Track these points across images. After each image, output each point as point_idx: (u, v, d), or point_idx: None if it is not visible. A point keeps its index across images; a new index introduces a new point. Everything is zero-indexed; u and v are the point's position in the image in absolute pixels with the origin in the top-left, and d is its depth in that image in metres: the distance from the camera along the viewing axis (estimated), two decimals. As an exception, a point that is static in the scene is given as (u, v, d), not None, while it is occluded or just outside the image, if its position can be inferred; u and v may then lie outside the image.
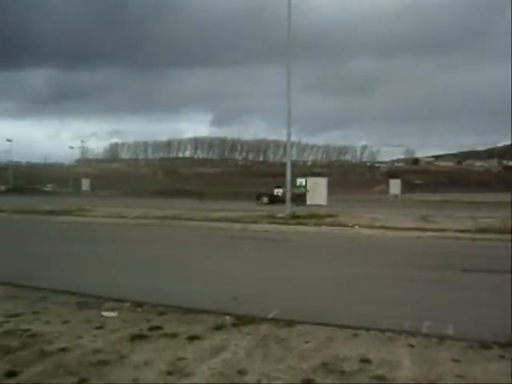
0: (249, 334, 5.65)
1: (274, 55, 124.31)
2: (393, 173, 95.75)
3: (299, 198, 36.07)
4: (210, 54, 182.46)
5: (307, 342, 5.39)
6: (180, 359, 4.82)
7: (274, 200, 39.51)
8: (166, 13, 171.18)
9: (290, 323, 6.07)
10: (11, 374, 4.46)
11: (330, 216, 23.06)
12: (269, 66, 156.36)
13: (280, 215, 23.20)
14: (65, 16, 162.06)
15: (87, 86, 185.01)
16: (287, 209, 23.74)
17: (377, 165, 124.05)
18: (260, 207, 29.35)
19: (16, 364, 4.70)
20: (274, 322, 6.14)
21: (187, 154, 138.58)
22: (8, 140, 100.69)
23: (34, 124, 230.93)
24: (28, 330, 5.77)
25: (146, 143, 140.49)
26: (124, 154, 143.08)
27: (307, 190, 39.62)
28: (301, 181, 41.85)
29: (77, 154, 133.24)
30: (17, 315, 6.39)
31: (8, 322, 6.11)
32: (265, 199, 41.25)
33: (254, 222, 20.53)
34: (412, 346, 5.32)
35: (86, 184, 77.77)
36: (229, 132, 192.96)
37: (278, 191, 40.82)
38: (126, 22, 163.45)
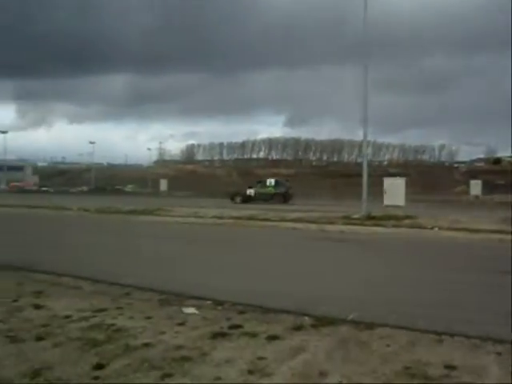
0: (328, 336, 5.58)
1: (348, 54, 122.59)
2: (473, 173, 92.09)
3: (275, 196, 41.76)
4: (283, 55, 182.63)
5: (388, 346, 5.26)
6: (260, 358, 4.83)
7: (247, 199, 42.81)
8: (239, 16, 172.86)
9: (370, 326, 5.95)
10: (99, 367, 4.63)
11: (408, 217, 22.46)
12: (343, 65, 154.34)
13: (356, 216, 22.85)
14: (142, 22, 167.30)
15: (164, 90, 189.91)
16: (363, 210, 23.35)
17: (456, 165, 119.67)
18: (324, 208, 29.03)
19: (103, 357, 4.87)
20: (354, 324, 6.03)
21: (261, 154, 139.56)
22: (91, 142, 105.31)
23: (115, 127, 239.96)
24: (113, 324, 5.97)
25: (221, 144, 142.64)
26: (200, 155, 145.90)
27: (286, 190, 43.71)
28: (270, 181, 45.01)
29: (155, 156, 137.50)
30: (102, 310, 6.64)
31: (94, 316, 6.35)
32: (238, 199, 43.56)
33: (330, 223, 20.34)
34: (499, 353, 5.07)
35: (164, 184, 79.82)
36: (302, 132, 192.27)
37: (250, 191, 44.18)
38: (201, 25, 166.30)
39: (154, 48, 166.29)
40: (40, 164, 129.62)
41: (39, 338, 5.43)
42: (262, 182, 45.31)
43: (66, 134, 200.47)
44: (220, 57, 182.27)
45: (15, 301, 7.19)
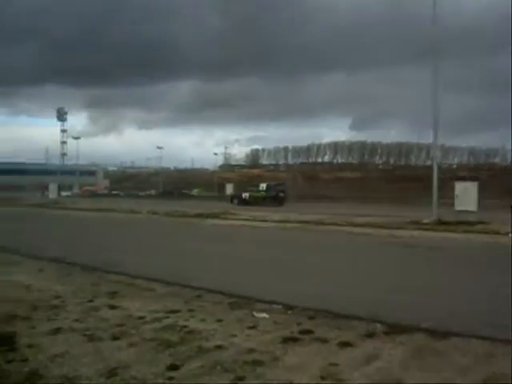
0: (402, 344, 5.43)
1: (416, 55, 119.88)
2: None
3: (266, 199, 44.23)
4: (349, 57, 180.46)
5: (464, 356, 5.06)
6: (332, 365, 4.76)
7: (242, 202, 45.64)
8: (304, 19, 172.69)
9: (445, 335, 5.74)
10: (173, 367, 4.70)
11: (481, 223, 21.62)
12: (411, 66, 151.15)
13: (425, 221, 22.23)
14: (208, 29, 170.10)
15: (229, 95, 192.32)
16: (433, 214, 22.70)
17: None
18: (392, 212, 28.36)
19: (177, 358, 4.94)
20: (429, 333, 5.84)
21: (326, 158, 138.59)
22: (158, 147, 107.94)
23: (182, 132, 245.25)
24: (185, 326, 6.06)
25: (285, 148, 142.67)
26: (264, 160, 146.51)
27: (281, 193, 46.96)
28: (262, 185, 48.21)
29: (220, 160, 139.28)
30: (175, 312, 6.76)
31: (167, 317, 6.47)
32: (236, 201, 46.94)
33: (400, 228, 19.87)
34: None
35: (229, 188, 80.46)
36: (368, 136, 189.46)
37: (245, 195, 47.57)
38: (266, 29, 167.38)
39: (219, 54, 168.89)
40: (110, 168, 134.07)
41: (115, 338, 5.59)
42: (256, 187, 48.69)
43: (135, 140, 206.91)
44: (285, 60, 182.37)
45: (91, 301, 7.45)
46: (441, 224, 21.19)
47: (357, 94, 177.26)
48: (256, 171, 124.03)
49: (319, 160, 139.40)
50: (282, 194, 47.81)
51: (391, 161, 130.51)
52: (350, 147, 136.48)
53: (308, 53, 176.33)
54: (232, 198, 49.13)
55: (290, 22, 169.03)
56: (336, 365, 4.76)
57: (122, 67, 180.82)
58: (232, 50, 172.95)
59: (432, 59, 23.79)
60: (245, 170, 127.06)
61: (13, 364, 4.80)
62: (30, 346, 5.30)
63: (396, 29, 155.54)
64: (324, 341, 5.49)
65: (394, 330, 5.90)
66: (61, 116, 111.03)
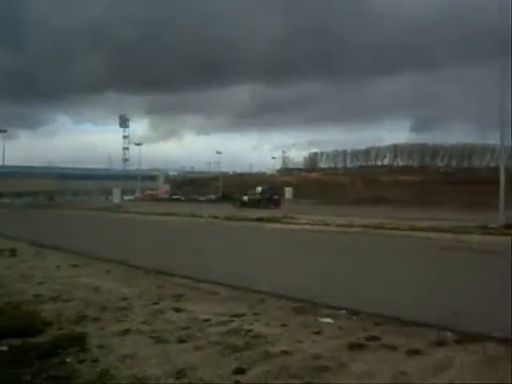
0: (474, 353, 5.22)
1: (481, 55, 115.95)
2: None
3: (261, 202, 48.23)
4: (411, 59, 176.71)
5: (542, 367, 4.81)
6: (402, 373, 4.63)
7: (243, 204, 49.30)
8: (367, 20, 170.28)
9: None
10: (239, 371, 4.70)
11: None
12: (476, 66, 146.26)
13: (492, 225, 21.42)
14: (269, 32, 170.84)
15: (288, 99, 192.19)
16: (500, 218, 21.86)
17: None
18: (456, 216, 27.44)
19: (243, 362, 4.94)
20: (501, 342, 5.59)
21: (386, 161, 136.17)
22: (218, 152, 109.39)
23: (240, 136, 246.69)
24: (250, 330, 6.06)
25: (344, 152, 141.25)
26: (323, 163, 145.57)
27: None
28: (258, 189, 53.91)
29: (278, 164, 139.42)
30: (239, 315, 6.77)
31: (232, 321, 6.50)
32: (238, 204, 50.62)
33: (465, 233, 19.22)
34: None
35: (288, 192, 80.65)
36: (430, 138, 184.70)
37: (245, 198, 52.11)
38: (328, 32, 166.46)
39: (278, 57, 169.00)
40: (171, 173, 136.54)
41: (181, 340, 5.66)
42: (253, 190, 54.17)
43: (194, 145, 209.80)
44: (346, 62, 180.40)
45: (156, 303, 7.57)
46: (508, 228, 20.34)
47: (419, 95, 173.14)
48: (314, 175, 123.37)
49: (379, 163, 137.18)
50: (276, 197, 52.13)
51: (453, 163, 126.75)
52: (410, 149, 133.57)
53: (370, 54, 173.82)
54: (234, 201, 52.62)
55: (352, 24, 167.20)
56: (405, 373, 4.63)
57: (182, 73, 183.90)
58: (292, 53, 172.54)
59: (499, 58, 23.04)
60: (303, 174, 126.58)
61: (84, 364, 4.93)
62: (100, 347, 5.44)
63: (461, 28, 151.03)
64: (392, 348, 5.35)
65: (465, 338, 5.68)
66: (123, 122, 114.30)
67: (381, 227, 22.02)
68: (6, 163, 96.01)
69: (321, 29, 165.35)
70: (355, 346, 5.42)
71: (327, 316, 6.72)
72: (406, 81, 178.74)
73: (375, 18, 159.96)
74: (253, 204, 47.46)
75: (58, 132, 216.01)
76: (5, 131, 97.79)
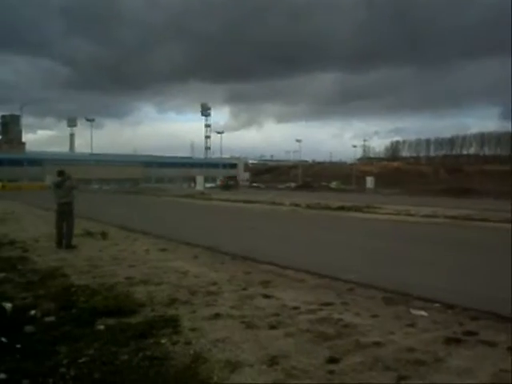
0: None
1: None
2: None
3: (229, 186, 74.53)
4: (501, 42, 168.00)
5: None
6: (504, 371, 4.41)
7: (227, 188, 71.62)
8: (451, 1, 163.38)
9: None
10: (332, 360, 4.65)
11: None
12: None
13: None
14: (353, 18, 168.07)
15: (370, 86, 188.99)
16: None
17: None
18: None
19: (335, 351, 4.89)
20: None
21: (472, 150, 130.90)
22: (297, 140, 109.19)
23: (321, 125, 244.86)
24: (340, 319, 5.99)
25: (427, 140, 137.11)
26: (405, 152, 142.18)
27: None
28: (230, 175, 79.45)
29: (359, 153, 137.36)
30: (328, 304, 6.71)
31: (321, 309, 6.44)
32: (224, 188, 73.20)
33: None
34: None
35: (370, 182, 79.35)
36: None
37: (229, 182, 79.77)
38: (413, 17, 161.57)
39: (363, 44, 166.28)
40: (251, 161, 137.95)
41: (272, 327, 5.67)
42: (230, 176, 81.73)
43: (274, 133, 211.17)
44: (433, 48, 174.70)
45: (244, 289, 7.64)
46: None
47: (509, 80, 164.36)
48: (396, 164, 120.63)
49: (464, 152, 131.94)
50: (231, 182, 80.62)
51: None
52: (498, 138, 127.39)
53: (456, 37, 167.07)
54: (222, 186, 76.20)
55: (438, 5, 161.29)
56: (508, 372, 4.40)
57: (263, 61, 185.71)
58: (376, 40, 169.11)
59: None
60: (384, 163, 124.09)
61: (178, 346, 5.04)
62: (192, 330, 5.55)
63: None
64: (492, 344, 5.11)
65: None
66: (205, 111, 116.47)
67: (468, 218, 21.15)
68: (94, 151, 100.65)
69: (403, 13, 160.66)
70: (451, 341, 5.22)
71: (420, 308, 6.52)
72: (495, 65, 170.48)
73: None
74: (227, 188, 71.89)
75: (143, 121, 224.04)
76: (93, 120, 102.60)
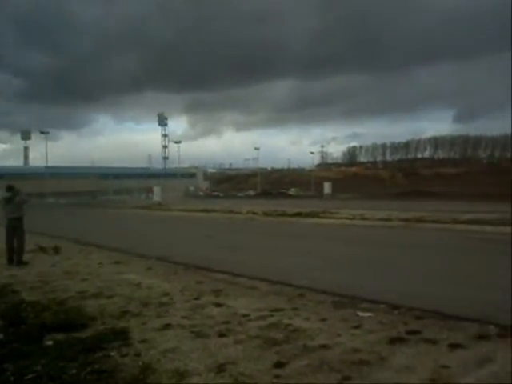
0: (518, 347, 5.11)
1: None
2: None
3: None
4: (454, 47, 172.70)
5: None
6: (443, 367, 4.58)
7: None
8: (407, 8, 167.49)
9: None
10: (279, 365, 4.73)
11: None
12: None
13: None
14: (307, 25, 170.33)
15: (326, 93, 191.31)
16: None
17: None
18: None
19: (283, 356, 4.97)
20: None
21: (426, 154, 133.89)
22: (256, 148, 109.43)
23: (279, 132, 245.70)
24: (290, 324, 6.08)
25: (383, 145, 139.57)
26: (362, 157, 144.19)
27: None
28: None
29: (317, 159, 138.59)
30: (278, 310, 6.81)
31: (271, 316, 6.53)
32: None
33: (506, 225, 18.68)
34: None
35: (327, 187, 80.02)
36: (473, 128, 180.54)
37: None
38: (366, 24, 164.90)
39: (316, 51, 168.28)
40: (210, 170, 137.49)
41: (221, 335, 5.73)
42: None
43: (233, 142, 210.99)
44: (384, 54, 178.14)
45: (196, 298, 7.67)
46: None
47: (463, 85, 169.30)
48: (353, 169, 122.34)
49: (419, 156, 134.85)
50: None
51: (496, 154, 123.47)
52: (451, 141, 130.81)
53: (409, 44, 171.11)
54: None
55: (390, 13, 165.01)
56: (447, 367, 4.58)
57: (219, 70, 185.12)
58: (330, 47, 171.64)
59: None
60: (342, 169, 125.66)
61: (127, 358, 5.04)
62: (142, 341, 5.55)
63: (504, 16, 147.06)
64: (433, 342, 5.29)
65: (509, 332, 5.57)
66: (161, 121, 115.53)
67: (421, 220, 21.68)
68: (50, 164, 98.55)
69: (358, 21, 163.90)
70: (395, 340, 5.38)
71: (367, 310, 6.69)
72: (448, 70, 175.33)
73: (414, 5, 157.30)
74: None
75: (100, 132, 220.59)
76: (47, 133, 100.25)
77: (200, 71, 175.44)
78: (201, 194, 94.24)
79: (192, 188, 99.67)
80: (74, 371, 4.70)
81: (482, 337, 5.45)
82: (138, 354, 5.14)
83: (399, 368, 4.60)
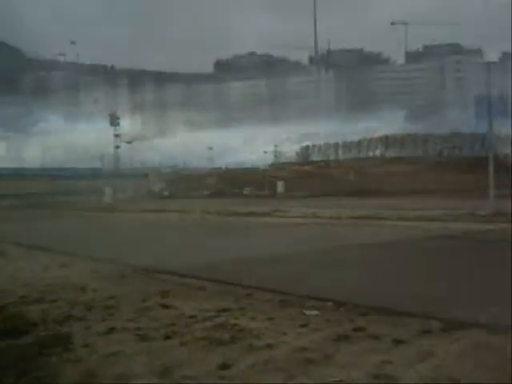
0: (459, 340, 5.23)
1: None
2: None
3: None
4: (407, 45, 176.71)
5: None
6: (386, 362, 4.63)
7: None
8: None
9: (505, 329, 5.48)
10: (225, 366, 4.68)
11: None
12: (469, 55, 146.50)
13: (482, 213, 21.51)
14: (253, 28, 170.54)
15: (279, 93, 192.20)
16: (489, 206, 21.97)
17: None
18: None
19: (228, 357, 4.92)
20: (487, 329, 5.58)
21: (378, 153, 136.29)
22: (209, 148, 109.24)
23: (233, 131, 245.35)
24: (236, 324, 6.04)
25: (336, 144, 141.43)
26: (315, 156, 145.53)
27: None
28: None
29: (270, 159, 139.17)
30: (226, 310, 6.75)
31: (218, 316, 6.47)
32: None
33: (454, 221, 19.30)
34: None
35: (280, 186, 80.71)
36: (426, 127, 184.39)
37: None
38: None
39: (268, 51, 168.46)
40: (164, 171, 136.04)
41: (167, 337, 5.63)
42: None
43: (187, 142, 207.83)
44: (335, 53, 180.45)
45: (143, 301, 7.54)
46: (499, 215, 20.40)
47: (415, 84, 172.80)
48: (306, 168, 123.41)
49: (370, 154, 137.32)
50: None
51: (445, 153, 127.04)
52: (401, 140, 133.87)
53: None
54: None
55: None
56: (390, 362, 4.63)
57: (172, 69, 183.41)
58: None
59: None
60: (296, 168, 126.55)
61: (68, 364, 4.89)
62: (85, 346, 5.40)
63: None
64: (377, 338, 5.36)
65: (451, 326, 5.69)
66: (113, 121, 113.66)
67: (371, 217, 22.09)
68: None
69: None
70: (341, 337, 5.40)
71: (314, 308, 6.72)
72: (399, 69, 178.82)
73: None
74: None
75: (50, 132, 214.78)
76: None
77: (151, 70, 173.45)
78: (155, 193, 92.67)
79: (145, 188, 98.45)
80: (12, 379, 4.53)
81: (424, 331, 5.54)
82: (79, 360, 4.99)
83: (344, 365, 4.62)
